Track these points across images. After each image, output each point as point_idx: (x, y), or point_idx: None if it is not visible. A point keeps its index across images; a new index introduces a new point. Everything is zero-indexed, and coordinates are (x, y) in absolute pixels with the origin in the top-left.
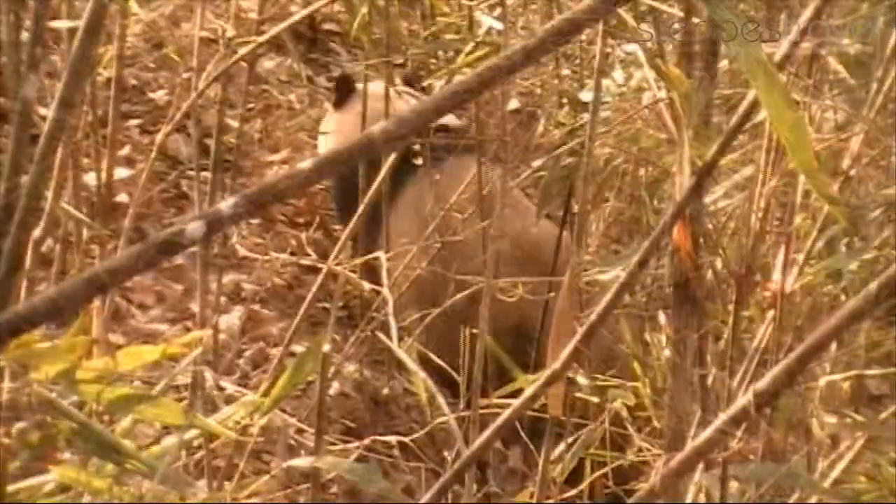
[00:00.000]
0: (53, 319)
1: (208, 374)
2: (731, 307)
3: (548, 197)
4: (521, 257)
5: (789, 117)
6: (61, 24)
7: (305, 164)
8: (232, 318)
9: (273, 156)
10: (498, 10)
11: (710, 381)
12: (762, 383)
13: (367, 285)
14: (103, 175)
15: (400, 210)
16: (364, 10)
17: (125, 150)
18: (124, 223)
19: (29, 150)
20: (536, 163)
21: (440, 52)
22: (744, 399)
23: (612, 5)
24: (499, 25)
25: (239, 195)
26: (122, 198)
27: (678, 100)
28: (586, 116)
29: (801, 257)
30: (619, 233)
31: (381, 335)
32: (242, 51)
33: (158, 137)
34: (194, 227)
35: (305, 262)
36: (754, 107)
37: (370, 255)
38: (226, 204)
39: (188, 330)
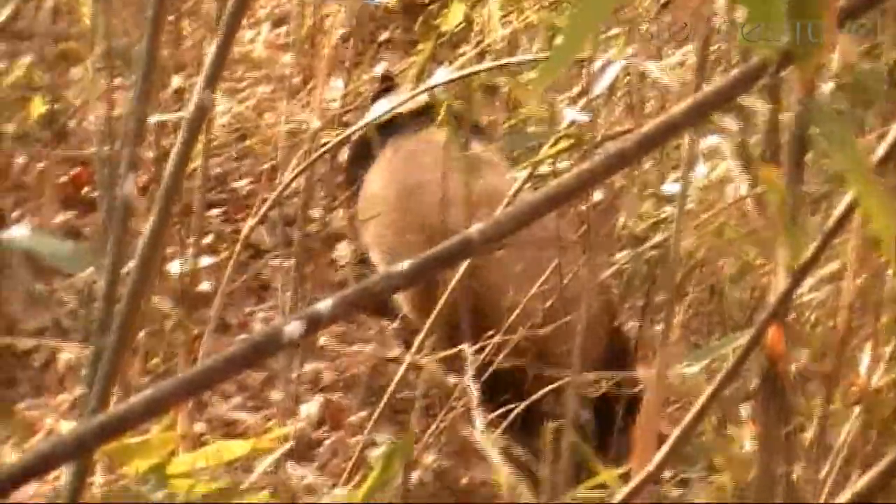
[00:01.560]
0: (150, 420)
1: (290, 468)
2: (817, 402)
3: (630, 289)
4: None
5: (887, 221)
6: (161, 118)
7: (403, 265)
8: (311, 407)
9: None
10: (581, 103)
11: (795, 477)
12: (860, 484)
13: (450, 378)
14: (188, 264)
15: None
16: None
17: (208, 239)
18: (208, 312)
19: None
20: (619, 255)
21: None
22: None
23: (708, 110)
24: (583, 118)
25: (337, 296)
26: (204, 286)
27: (773, 201)
28: (669, 209)
29: (888, 352)
30: (698, 325)
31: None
32: (327, 144)
33: (245, 229)
34: (293, 328)
35: (389, 355)
36: (851, 210)
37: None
38: (324, 304)
39: (268, 419)
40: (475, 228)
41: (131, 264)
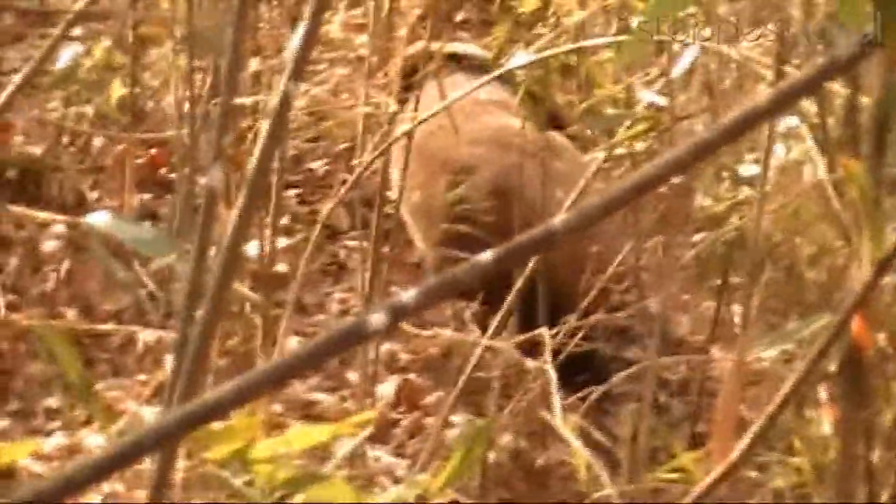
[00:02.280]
0: (238, 408)
1: (368, 450)
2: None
3: (706, 272)
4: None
5: None
6: (246, 101)
7: (486, 254)
8: (388, 388)
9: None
10: (659, 85)
11: (874, 461)
12: None
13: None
14: (266, 246)
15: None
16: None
17: (284, 220)
18: (284, 293)
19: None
20: (696, 237)
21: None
22: None
23: (792, 100)
24: (660, 100)
25: (422, 286)
26: (280, 267)
27: (855, 192)
28: (746, 190)
29: None
30: (775, 306)
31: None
32: (404, 127)
33: (323, 211)
34: (377, 318)
35: (466, 338)
36: None
37: None
38: (408, 295)
39: (344, 399)
40: (560, 218)
41: (214, 250)
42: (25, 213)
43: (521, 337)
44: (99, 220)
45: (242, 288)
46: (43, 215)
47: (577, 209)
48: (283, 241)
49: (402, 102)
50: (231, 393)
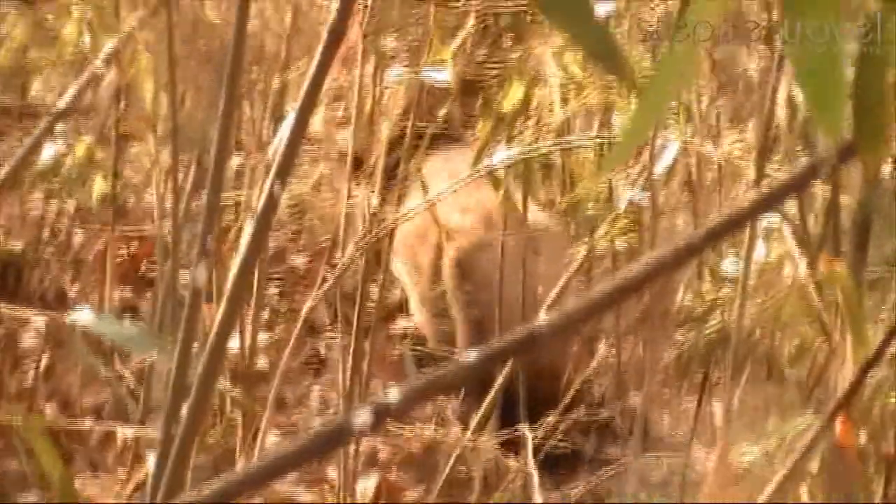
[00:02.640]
0: None
1: None
2: (877, 483)
3: (687, 369)
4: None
5: None
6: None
7: (471, 353)
8: (368, 484)
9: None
10: (640, 183)
11: None
12: None
13: (511, 463)
14: (246, 341)
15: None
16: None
17: (264, 315)
18: (264, 387)
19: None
20: (677, 335)
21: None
22: None
23: (776, 202)
24: (641, 198)
25: (407, 386)
26: (261, 362)
27: (841, 297)
28: (727, 289)
29: None
30: (757, 405)
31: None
32: (387, 222)
33: (304, 308)
34: (362, 418)
35: (448, 436)
36: None
37: None
38: (394, 394)
39: (324, 495)
40: (544, 320)
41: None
42: (5, 308)
43: (502, 435)
44: (81, 317)
45: (223, 383)
46: (23, 310)
47: (562, 310)
48: (263, 337)
49: (384, 198)
50: (214, 494)
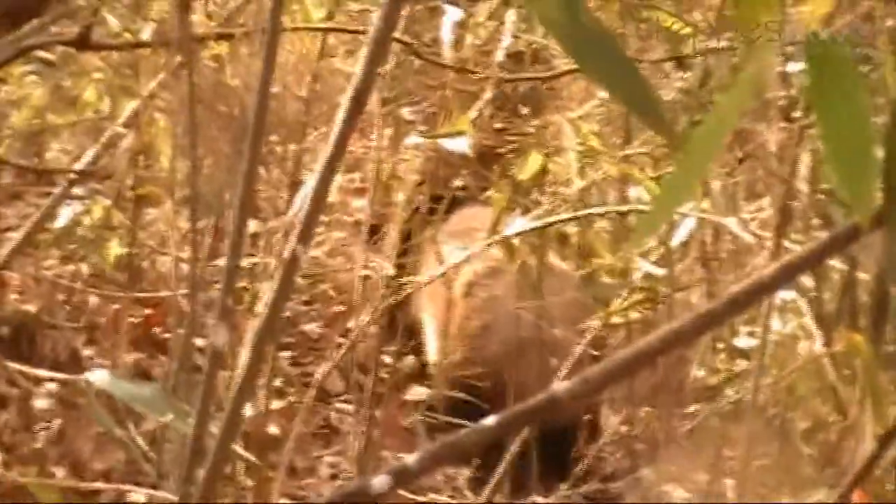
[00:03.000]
0: None
1: None
2: None
3: (701, 444)
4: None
5: None
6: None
7: (490, 420)
8: None
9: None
10: (657, 255)
11: None
12: None
13: None
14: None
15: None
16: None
17: (277, 382)
18: (275, 454)
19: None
20: (691, 408)
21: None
22: None
23: (797, 273)
24: (658, 271)
25: (425, 451)
26: (272, 429)
27: (860, 368)
28: (741, 363)
29: None
30: (770, 481)
31: None
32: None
33: (317, 373)
34: (381, 482)
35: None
36: None
37: None
38: (411, 459)
39: None
40: (563, 385)
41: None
42: (19, 371)
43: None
44: (97, 378)
45: (236, 449)
46: (37, 372)
47: (580, 377)
48: (275, 403)
49: (399, 267)
50: None
